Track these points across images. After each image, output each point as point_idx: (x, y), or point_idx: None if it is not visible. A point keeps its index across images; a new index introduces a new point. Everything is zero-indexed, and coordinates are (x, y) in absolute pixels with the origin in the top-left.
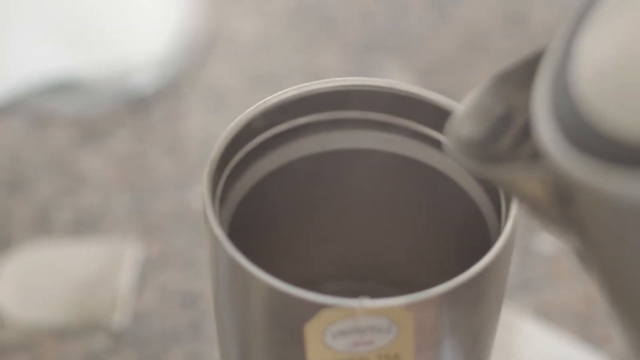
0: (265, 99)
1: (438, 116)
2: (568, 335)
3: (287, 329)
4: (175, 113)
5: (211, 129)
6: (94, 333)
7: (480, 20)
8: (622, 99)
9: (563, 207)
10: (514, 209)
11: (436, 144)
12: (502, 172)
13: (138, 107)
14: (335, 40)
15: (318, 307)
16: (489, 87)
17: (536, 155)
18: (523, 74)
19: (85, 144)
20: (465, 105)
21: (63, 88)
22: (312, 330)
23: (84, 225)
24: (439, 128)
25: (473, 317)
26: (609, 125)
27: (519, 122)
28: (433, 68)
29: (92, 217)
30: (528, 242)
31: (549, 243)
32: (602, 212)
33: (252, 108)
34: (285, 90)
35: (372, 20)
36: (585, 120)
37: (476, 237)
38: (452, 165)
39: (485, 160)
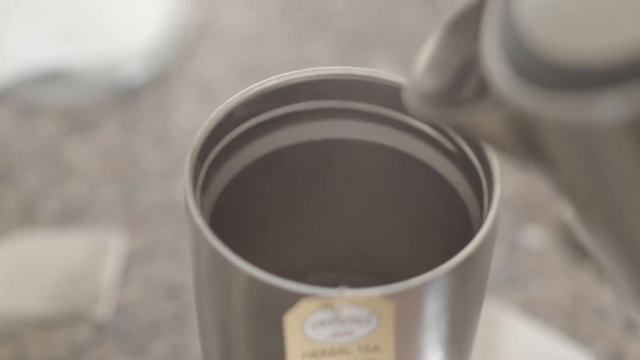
0: (248, 88)
1: None
2: (554, 332)
3: (267, 319)
4: (163, 104)
5: (199, 121)
6: (78, 324)
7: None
8: (559, 24)
9: (525, 140)
10: (496, 199)
11: (419, 134)
12: (463, 116)
13: (126, 98)
14: (326, 34)
15: (297, 297)
16: (443, 40)
17: (492, 95)
18: (474, 21)
19: (73, 134)
20: (422, 60)
21: (52, 78)
22: (292, 321)
23: (71, 216)
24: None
25: (454, 308)
26: (550, 52)
27: (478, 71)
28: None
29: (78, 207)
30: (514, 237)
31: (535, 238)
32: (558, 139)
33: (234, 97)
34: (268, 79)
35: (363, 14)
36: (529, 50)
37: (459, 228)
38: (435, 155)
39: (447, 109)
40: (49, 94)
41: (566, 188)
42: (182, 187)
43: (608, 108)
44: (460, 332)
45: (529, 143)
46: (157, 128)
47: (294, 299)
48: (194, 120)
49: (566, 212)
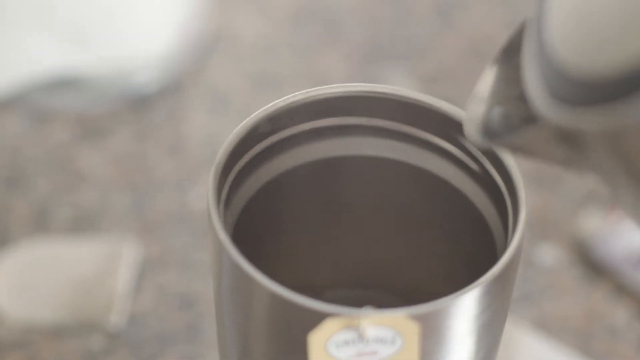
0: (272, 103)
1: (445, 125)
2: (567, 349)
3: (290, 337)
4: (176, 113)
5: (212, 129)
6: (90, 333)
7: (484, 29)
8: (581, 43)
9: (574, 153)
10: (522, 221)
11: (444, 153)
12: (519, 140)
13: (140, 106)
14: (339, 45)
15: (322, 316)
16: (496, 72)
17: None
18: (519, 50)
19: (85, 141)
20: (480, 92)
21: (65, 84)
22: (316, 340)
23: (83, 224)
24: (447, 137)
25: (478, 329)
26: (576, 70)
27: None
28: (437, 75)
29: (91, 215)
30: (529, 254)
31: (549, 255)
32: (598, 145)
33: (258, 112)
34: (292, 94)
35: (376, 26)
36: (560, 71)
37: (481, 247)
38: (459, 175)
39: (504, 136)
40: (62, 101)
41: (617, 186)
42: (196, 196)
43: (630, 115)
44: (483, 351)
45: (574, 151)
46: (170, 136)
47: (318, 318)
48: (207, 129)
49: (581, 229)
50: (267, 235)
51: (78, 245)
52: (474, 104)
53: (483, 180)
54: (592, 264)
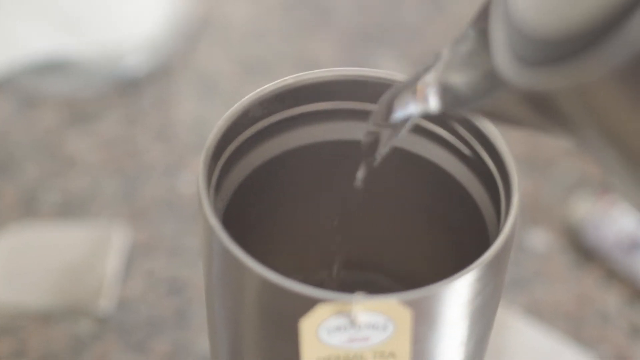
0: (263, 87)
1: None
2: (559, 335)
3: (281, 322)
4: (165, 97)
5: (201, 114)
6: (78, 318)
7: (473, 13)
8: (541, 3)
9: (544, 116)
10: (515, 206)
11: (435, 137)
12: (488, 104)
13: (128, 90)
14: (329, 30)
15: (313, 302)
16: (467, 40)
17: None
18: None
19: (74, 125)
20: (448, 57)
21: (54, 68)
22: (307, 326)
23: (72, 209)
24: (438, 121)
25: (471, 314)
26: (538, 30)
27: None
28: (427, 60)
29: (79, 200)
30: (520, 239)
31: (541, 240)
32: (567, 103)
33: (249, 96)
34: (283, 79)
35: (367, 11)
36: (521, 30)
37: (473, 232)
38: (451, 159)
39: (474, 101)
40: (51, 85)
41: (584, 142)
42: (185, 182)
43: (588, 70)
44: (475, 337)
45: (544, 113)
46: (159, 121)
47: (310, 303)
48: (195, 113)
49: (572, 214)
50: (257, 220)
51: (67, 231)
52: (439, 69)
53: (475, 164)
54: (583, 249)
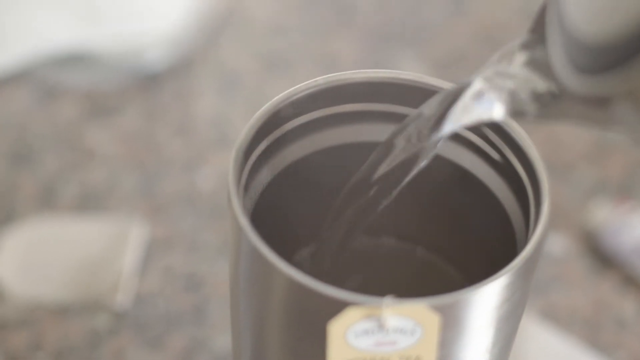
0: (294, 87)
1: None
2: (575, 340)
3: (308, 324)
4: (186, 92)
5: (221, 110)
6: (95, 312)
7: (495, 14)
8: (592, 7)
9: (601, 114)
10: (545, 213)
11: (464, 141)
12: (544, 114)
13: (149, 84)
14: (351, 28)
15: (342, 305)
16: (524, 53)
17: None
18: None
19: (94, 118)
20: (506, 71)
21: (74, 61)
22: (336, 328)
23: (90, 202)
24: (470, 127)
25: (498, 320)
26: (590, 36)
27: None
28: (448, 60)
29: (98, 193)
30: None
31: (558, 245)
32: (627, 106)
33: (280, 96)
34: (315, 79)
35: (388, 10)
36: (577, 39)
37: (500, 238)
38: (479, 164)
39: (530, 112)
40: (71, 77)
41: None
42: (204, 177)
43: None
44: (500, 343)
45: (601, 112)
46: (179, 115)
47: (338, 306)
48: (216, 108)
49: (590, 220)
50: (285, 221)
51: (85, 224)
52: (499, 75)
53: (504, 170)
54: (601, 255)
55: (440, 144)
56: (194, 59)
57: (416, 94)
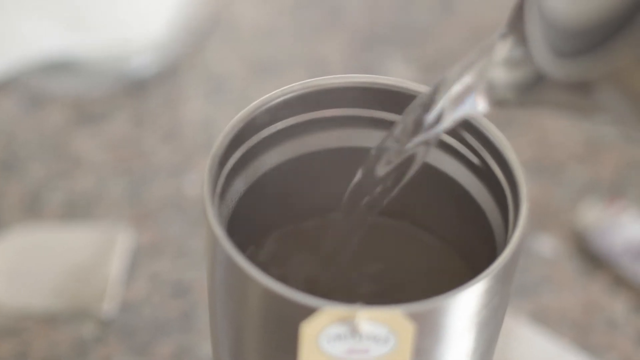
0: (270, 94)
1: None
2: (565, 342)
3: (283, 332)
4: (173, 98)
5: (209, 115)
6: (82, 320)
7: (486, 15)
8: None
9: (582, 99)
10: (523, 217)
11: (442, 145)
12: (524, 101)
13: (136, 90)
14: (340, 31)
15: (315, 312)
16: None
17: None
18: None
19: (80, 125)
20: (497, 56)
21: (61, 67)
22: (308, 331)
23: (77, 210)
24: (449, 130)
25: (476, 326)
26: (568, 19)
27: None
28: (437, 62)
29: (85, 201)
30: (528, 244)
31: (548, 246)
32: (608, 89)
33: (255, 103)
34: (290, 85)
35: (377, 12)
36: (555, 23)
37: (479, 241)
38: (458, 167)
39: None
40: (58, 84)
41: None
42: (191, 183)
43: (619, 55)
44: (481, 348)
45: (582, 96)
46: (167, 121)
47: (311, 313)
48: (204, 114)
49: (581, 220)
50: (262, 229)
51: (71, 232)
52: (479, 70)
53: (483, 173)
54: (591, 256)
55: (429, 146)
56: (181, 64)
57: (395, 98)
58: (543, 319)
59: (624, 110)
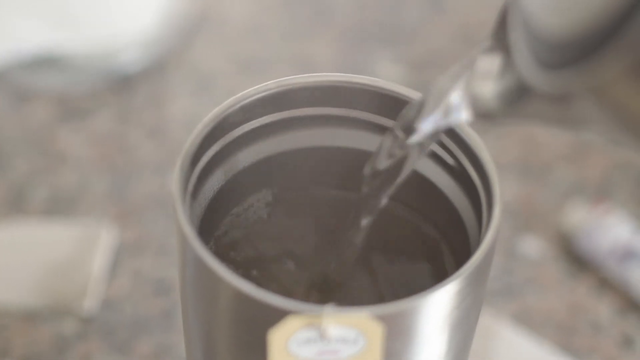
0: (244, 92)
1: None
2: (549, 344)
3: (252, 333)
4: (159, 94)
5: (195, 112)
6: (63, 317)
7: (475, 14)
8: (552, 2)
9: (566, 111)
10: (496, 219)
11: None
12: (526, 111)
13: (122, 87)
14: (328, 29)
15: (284, 313)
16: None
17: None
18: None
19: (66, 121)
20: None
21: (47, 63)
22: (277, 338)
23: (60, 206)
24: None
25: (449, 327)
26: (552, 31)
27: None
28: (426, 61)
29: (68, 197)
30: (512, 245)
31: (534, 247)
32: (586, 98)
33: (229, 101)
34: (266, 83)
35: (366, 11)
36: (539, 34)
37: (456, 243)
38: (435, 169)
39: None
40: (44, 80)
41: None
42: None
43: (600, 70)
44: (454, 350)
45: (566, 108)
46: (152, 118)
47: (280, 315)
48: (189, 111)
49: (566, 222)
50: (237, 227)
51: (54, 228)
52: (465, 80)
53: (459, 175)
54: (576, 258)
55: (423, 152)
56: (168, 61)
57: (369, 98)
58: (527, 320)
59: (608, 122)
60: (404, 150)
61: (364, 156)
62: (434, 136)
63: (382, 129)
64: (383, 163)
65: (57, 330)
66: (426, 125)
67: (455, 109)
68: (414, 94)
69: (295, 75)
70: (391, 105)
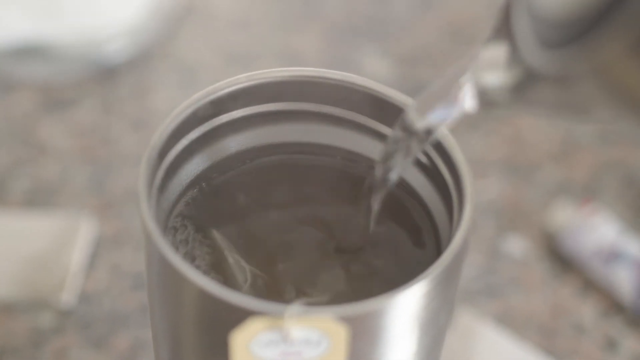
0: (214, 86)
1: (396, 115)
2: (530, 346)
3: (216, 333)
4: (143, 86)
5: (179, 104)
6: (40, 310)
7: (464, 10)
8: None
9: (566, 94)
10: (466, 219)
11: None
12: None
13: (106, 78)
14: (316, 23)
15: (246, 314)
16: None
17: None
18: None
19: (49, 112)
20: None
21: (31, 53)
22: (239, 339)
23: (40, 197)
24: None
25: (416, 329)
26: (554, 11)
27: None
28: (415, 56)
29: (49, 188)
30: (496, 244)
31: (517, 247)
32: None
33: (199, 94)
34: (236, 77)
35: (354, 5)
36: (541, 15)
37: (428, 243)
38: (409, 169)
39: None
40: (27, 70)
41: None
42: None
43: (603, 44)
44: (423, 351)
45: (566, 91)
46: (136, 110)
47: (243, 315)
48: (174, 103)
49: (552, 221)
50: (207, 223)
51: (34, 220)
52: (471, 71)
53: (431, 172)
54: (561, 258)
55: (423, 145)
56: (153, 52)
57: (342, 93)
58: (509, 321)
59: (610, 104)
60: (412, 137)
61: (334, 152)
62: (440, 125)
63: (353, 125)
64: (393, 147)
65: (34, 323)
66: (434, 115)
67: (463, 98)
68: (388, 91)
69: (278, 68)
70: (363, 101)
